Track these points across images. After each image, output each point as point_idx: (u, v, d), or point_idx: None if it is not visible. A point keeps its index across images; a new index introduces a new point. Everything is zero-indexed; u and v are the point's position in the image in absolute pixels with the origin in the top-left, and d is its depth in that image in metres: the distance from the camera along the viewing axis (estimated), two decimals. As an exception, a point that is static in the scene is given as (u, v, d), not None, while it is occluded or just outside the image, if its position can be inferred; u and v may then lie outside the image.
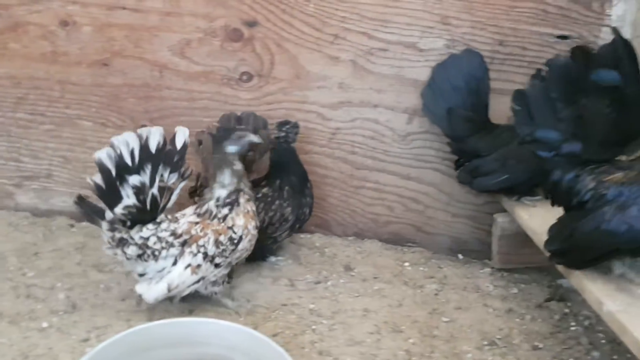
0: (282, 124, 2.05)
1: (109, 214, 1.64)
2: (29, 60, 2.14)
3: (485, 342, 1.77)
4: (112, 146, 1.63)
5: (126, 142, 1.64)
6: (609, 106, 1.63)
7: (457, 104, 2.06)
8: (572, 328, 1.86)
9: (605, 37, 2.09)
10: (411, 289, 2.03)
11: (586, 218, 1.55)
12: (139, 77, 2.18)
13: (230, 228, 1.75)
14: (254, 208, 1.83)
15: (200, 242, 1.71)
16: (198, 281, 1.74)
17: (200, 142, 2.04)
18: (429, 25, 2.10)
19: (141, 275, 1.72)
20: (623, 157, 1.71)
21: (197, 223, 1.74)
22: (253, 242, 1.82)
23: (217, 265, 1.74)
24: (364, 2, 2.08)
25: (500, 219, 2.15)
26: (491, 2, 2.07)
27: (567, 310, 1.95)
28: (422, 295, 2.00)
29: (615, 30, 1.64)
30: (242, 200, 1.78)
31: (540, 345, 1.76)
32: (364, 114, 2.21)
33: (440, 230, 2.35)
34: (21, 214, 2.27)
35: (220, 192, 1.77)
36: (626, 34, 2.05)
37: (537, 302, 2.00)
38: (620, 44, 1.60)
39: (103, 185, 1.62)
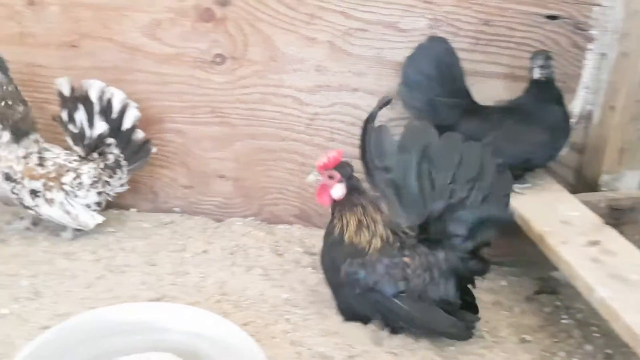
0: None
1: None
2: (-6, 41, 2.05)
3: (471, 335, 1.67)
4: None
5: None
6: None
7: (436, 94, 1.96)
8: (564, 321, 1.76)
9: (597, 17, 2.02)
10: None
11: None
12: (109, 60, 2.08)
13: None
14: None
15: None
16: None
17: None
18: (410, 4, 2.01)
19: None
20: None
21: None
22: None
23: None
24: (341, -21, 2.00)
25: (486, 207, 2.05)
26: (476, -21, 2.00)
27: (558, 303, 1.85)
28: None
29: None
30: None
31: (529, 338, 1.66)
32: (343, 99, 2.12)
33: (426, 221, 2.25)
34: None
35: None
36: (619, 13, 1.98)
37: (526, 295, 1.91)
38: None
39: None
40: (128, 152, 2.04)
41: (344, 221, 1.63)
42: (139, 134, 2.06)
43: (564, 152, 2.03)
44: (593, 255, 1.57)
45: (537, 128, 1.92)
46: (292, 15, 2.03)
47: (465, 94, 2.00)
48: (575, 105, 2.10)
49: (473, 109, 1.99)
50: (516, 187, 1.96)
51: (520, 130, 1.92)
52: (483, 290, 1.91)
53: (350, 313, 1.68)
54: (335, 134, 2.15)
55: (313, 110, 2.13)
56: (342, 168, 1.63)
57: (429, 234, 1.64)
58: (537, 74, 1.92)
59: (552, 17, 2.04)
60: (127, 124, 2.02)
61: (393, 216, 1.70)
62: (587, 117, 2.11)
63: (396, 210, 1.71)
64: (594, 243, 1.63)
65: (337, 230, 1.64)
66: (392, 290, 1.59)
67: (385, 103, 1.76)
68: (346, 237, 1.62)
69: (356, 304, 1.65)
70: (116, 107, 2.00)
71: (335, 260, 1.63)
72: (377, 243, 1.61)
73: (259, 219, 2.25)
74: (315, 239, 2.15)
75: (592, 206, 1.88)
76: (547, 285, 1.94)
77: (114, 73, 2.09)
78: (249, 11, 2.03)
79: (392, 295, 1.59)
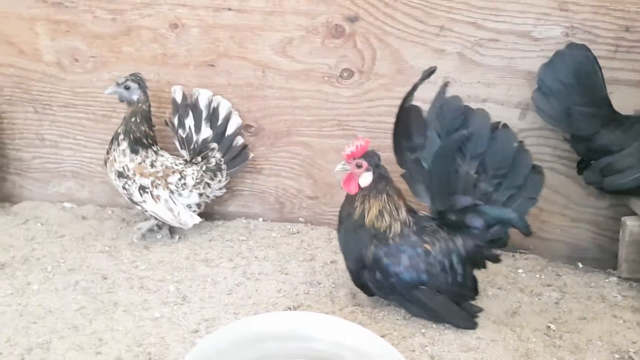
0: None
1: None
2: (141, 62, 2.23)
3: (617, 356, 1.58)
4: None
5: None
6: None
7: (574, 102, 1.90)
8: None
9: None
10: (528, 296, 1.87)
11: None
12: (243, 77, 2.20)
13: None
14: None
15: None
16: None
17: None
18: (544, 12, 1.95)
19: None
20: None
21: None
22: None
23: None
24: (473, -11, 1.98)
25: (629, 222, 1.94)
26: (615, -16, 1.91)
27: None
28: (540, 303, 1.83)
29: None
30: None
31: (685, 362, 1.55)
32: (471, 110, 2.09)
33: (557, 236, 2.16)
34: (133, 211, 2.35)
35: None
36: None
37: (676, 315, 1.77)
38: None
39: None
40: (228, 156, 2.18)
41: (367, 206, 1.68)
42: (239, 140, 2.20)
43: None
44: None
45: None
46: (421, 28, 2.04)
47: (606, 103, 1.91)
48: None
49: (614, 119, 1.90)
50: (657, 200, 1.86)
51: None
52: (625, 309, 1.81)
53: (366, 290, 1.77)
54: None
55: (439, 123, 2.12)
56: (370, 157, 1.69)
57: (448, 221, 1.69)
58: None
59: (700, 20, 1.90)
60: (230, 130, 2.16)
61: (415, 196, 1.75)
62: None
63: (419, 191, 1.74)
64: None
65: (357, 213, 1.69)
66: (414, 282, 1.66)
67: (428, 74, 1.74)
68: (367, 220, 1.67)
69: (375, 286, 1.71)
70: (222, 114, 2.15)
71: (360, 243, 1.68)
72: (397, 227, 1.67)
73: (382, 230, 2.27)
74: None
75: None
76: (699, 307, 1.80)
77: (247, 90, 2.21)
78: (377, 26, 2.06)
79: (412, 287, 1.66)
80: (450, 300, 1.68)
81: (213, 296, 1.83)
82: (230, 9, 2.12)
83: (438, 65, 2.04)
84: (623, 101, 1.95)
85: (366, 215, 1.68)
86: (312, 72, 2.16)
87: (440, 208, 1.71)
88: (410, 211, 1.72)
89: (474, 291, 1.74)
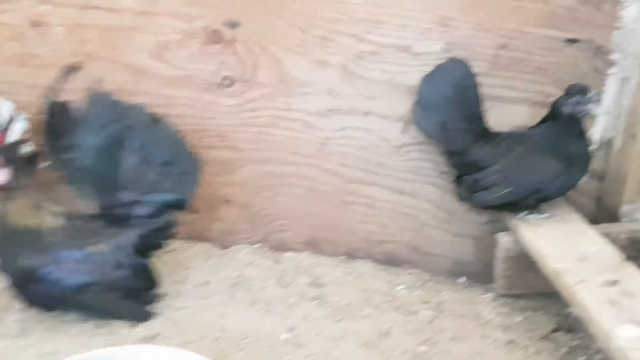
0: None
1: None
2: (-2, 62, 2.02)
3: (483, 378, 1.58)
4: None
5: None
6: None
7: (451, 117, 1.90)
8: (581, 363, 1.66)
9: (618, 40, 1.93)
10: (403, 315, 1.84)
11: None
12: (114, 81, 2.02)
13: None
14: None
15: None
16: None
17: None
18: (425, 27, 1.94)
19: None
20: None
21: None
22: None
23: None
24: (355, 2, 1.92)
25: (503, 238, 1.95)
26: (495, 2, 1.91)
27: (575, 343, 1.75)
28: (414, 322, 1.81)
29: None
30: None
31: (544, 382, 1.56)
32: (354, 123, 2.05)
33: (439, 251, 2.16)
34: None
35: None
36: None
37: (542, 333, 1.80)
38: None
39: None
40: (15, 167, 1.84)
41: (10, 206, 1.60)
42: (28, 148, 1.88)
43: (584, 180, 1.93)
44: (612, 297, 1.50)
45: (549, 158, 1.83)
46: (303, 38, 1.97)
47: (479, 119, 1.92)
48: (596, 132, 2.02)
49: (485, 135, 1.92)
50: (534, 217, 1.90)
51: (530, 159, 1.85)
52: (496, 327, 1.81)
53: (35, 305, 1.66)
54: (347, 159, 2.08)
55: (323, 135, 2.06)
56: (6, 152, 1.63)
57: (114, 216, 1.68)
58: (568, 109, 1.80)
59: (572, 41, 1.95)
60: (14, 136, 1.86)
61: (76, 197, 1.73)
62: (607, 144, 2.02)
63: (80, 191, 1.72)
64: (613, 283, 1.56)
65: (7, 218, 1.60)
66: (77, 285, 1.60)
67: (70, 71, 1.76)
68: (15, 221, 1.59)
69: (41, 300, 1.62)
70: (3, 118, 1.86)
71: (15, 251, 1.57)
72: (52, 222, 1.62)
73: (266, 246, 2.18)
74: (324, 268, 2.09)
75: (613, 238, 1.80)
76: (565, 323, 1.84)
77: (119, 95, 2.04)
78: (259, 33, 1.97)
79: (76, 290, 1.60)
80: (123, 297, 1.65)
81: (58, 326, 1.65)
82: (98, 8, 1.96)
83: (321, 76, 2.01)
84: (498, 118, 1.97)
85: (12, 216, 1.59)
86: (190, 79, 2.03)
87: (105, 205, 1.69)
88: (67, 209, 1.67)
89: (151, 281, 1.74)
